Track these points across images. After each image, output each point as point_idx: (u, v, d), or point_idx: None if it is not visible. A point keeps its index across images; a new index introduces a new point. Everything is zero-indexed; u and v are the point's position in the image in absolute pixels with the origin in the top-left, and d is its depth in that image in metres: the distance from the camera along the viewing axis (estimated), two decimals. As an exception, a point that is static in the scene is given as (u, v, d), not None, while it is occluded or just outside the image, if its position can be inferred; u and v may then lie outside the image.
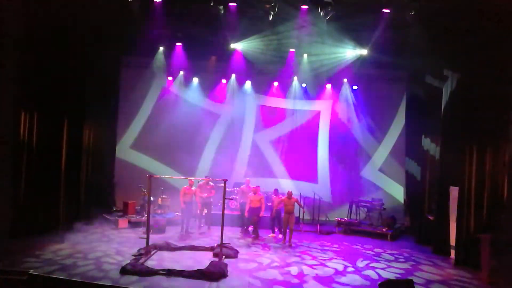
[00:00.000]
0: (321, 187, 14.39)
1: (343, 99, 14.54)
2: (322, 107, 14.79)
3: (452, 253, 9.79)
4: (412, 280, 7.57)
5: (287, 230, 10.68)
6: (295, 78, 14.30)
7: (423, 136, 11.85)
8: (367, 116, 14.43)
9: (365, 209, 13.09)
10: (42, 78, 9.75)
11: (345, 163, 14.55)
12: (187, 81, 14.43)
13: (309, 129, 14.80)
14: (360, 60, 12.53)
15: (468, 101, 9.36)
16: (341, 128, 14.63)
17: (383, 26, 10.56)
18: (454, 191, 9.86)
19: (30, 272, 7.46)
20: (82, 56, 10.63)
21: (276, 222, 11.57)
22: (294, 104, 14.70)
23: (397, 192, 14.09)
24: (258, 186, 11.66)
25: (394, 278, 8.19)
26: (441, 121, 10.53)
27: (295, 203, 10.81)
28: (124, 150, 14.16)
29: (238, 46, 12.52)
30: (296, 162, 14.52)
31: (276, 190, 11.64)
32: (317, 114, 14.81)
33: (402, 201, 13.66)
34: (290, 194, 10.83)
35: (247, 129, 14.89)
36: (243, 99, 14.69)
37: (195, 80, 14.45)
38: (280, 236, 11.14)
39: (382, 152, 14.40)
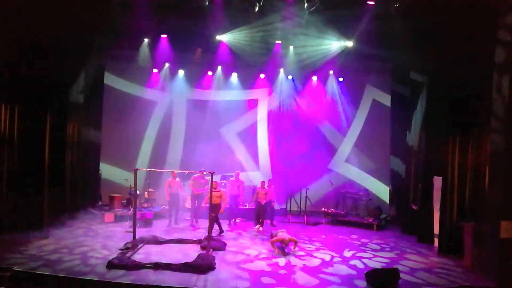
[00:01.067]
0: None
1: (329, 91, 14.58)
2: (310, 98, 14.83)
3: (436, 241, 9.99)
4: (397, 268, 7.74)
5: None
6: (282, 70, 14.28)
7: (407, 127, 11.99)
8: (352, 107, 14.51)
9: (352, 200, 13.23)
10: (23, 71, 9.51)
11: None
12: (172, 73, 14.29)
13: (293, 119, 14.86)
14: (346, 52, 12.56)
15: (451, 93, 9.49)
16: (326, 119, 14.70)
17: (368, 18, 10.58)
18: (437, 182, 10.04)
19: (14, 268, 7.37)
20: (65, 49, 10.39)
21: (261, 214, 11.55)
22: (281, 96, 14.68)
23: (383, 185, 14.22)
24: (215, 181, 10.54)
25: (380, 267, 8.31)
26: (425, 113, 10.68)
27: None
28: (110, 144, 13.98)
29: (224, 38, 12.42)
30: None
31: (263, 183, 11.69)
32: (305, 105, 14.83)
33: (388, 193, 13.82)
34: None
35: (236, 123, 14.84)
36: (229, 91, 14.60)
37: (181, 73, 14.32)
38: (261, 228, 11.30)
39: (366, 144, 14.49)
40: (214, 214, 9.89)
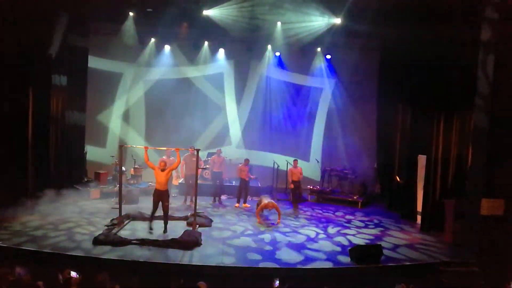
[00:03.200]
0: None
1: (316, 68, 14.49)
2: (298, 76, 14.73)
3: (419, 218, 10.21)
4: (380, 245, 7.92)
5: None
6: (269, 46, 14.09)
7: (394, 106, 12.03)
8: (339, 84, 14.50)
9: (337, 177, 13.37)
10: (5, 45, 9.19)
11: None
12: (158, 48, 13.99)
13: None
14: (334, 29, 12.41)
15: (436, 71, 9.51)
16: (314, 95, 14.68)
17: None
18: (422, 160, 10.19)
19: (-2, 244, 7.32)
20: (48, 22, 10.05)
21: (243, 192, 11.58)
22: (268, 72, 14.56)
23: (368, 163, 14.35)
24: (162, 161, 9.48)
25: (363, 244, 8.48)
26: (411, 91, 10.72)
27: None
28: (94, 119, 13.77)
29: (211, 12, 12.13)
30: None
31: (247, 160, 11.67)
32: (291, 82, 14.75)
33: (373, 171, 13.96)
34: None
35: (221, 98, 14.72)
36: (216, 67, 14.40)
37: (167, 48, 14.03)
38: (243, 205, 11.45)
39: (353, 120, 14.53)
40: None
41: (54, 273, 5.66)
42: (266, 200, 9.88)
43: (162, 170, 8.73)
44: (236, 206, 11.40)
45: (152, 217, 8.87)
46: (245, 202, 11.50)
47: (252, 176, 11.84)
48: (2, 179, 9.39)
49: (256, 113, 14.73)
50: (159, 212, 8.81)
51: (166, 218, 8.82)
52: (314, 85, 14.72)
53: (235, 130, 14.81)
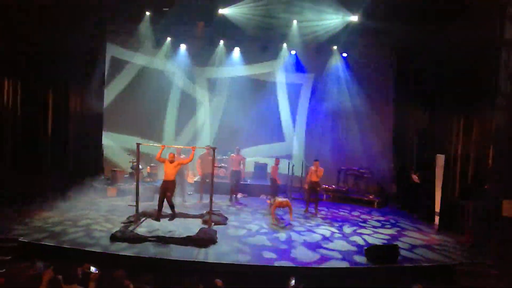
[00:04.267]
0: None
1: (333, 67, 14.40)
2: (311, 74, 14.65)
3: (436, 219, 10.05)
4: (397, 245, 7.82)
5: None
6: (285, 45, 14.05)
7: (411, 105, 11.86)
8: (356, 83, 14.36)
9: (353, 177, 13.26)
10: (25, 46, 9.40)
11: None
12: (174, 47, 14.11)
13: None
14: (350, 27, 12.31)
15: (456, 70, 9.34)
16: (329, 95, 14.62)
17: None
18: (440, 159, 10.02)
19: (19, 239, 7.49)
20: (66, 22, 10.23)
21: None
22: (284, 71, 14.52)
23: (385, 162, 14.19)
24: (171, 153, 9.35)
25: (380, 244, 8.40)
26: (429, 90, 10.55)
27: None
28: (112, 118, 13.96)
29: (227, 11, 12.17)
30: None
31: (277, 160, 11.69)
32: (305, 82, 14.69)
33: (390, 170, 13.79)
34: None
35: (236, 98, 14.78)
36: (231, 66, 14.43)
37: (183, 47, 14.13)
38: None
39: (370, 120, 14.40)
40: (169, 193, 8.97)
41: (73, 268, 5.75)
42: (279, 198, 9.99)
43: (171, 162, 8.88)
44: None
45: (159, 208, 8.94)
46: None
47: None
48: (22, 176, 9.62)
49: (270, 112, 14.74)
50: (176, 209, 8.91)
51: (172, 206, 8.94)
52: (330, 84, 14.60)
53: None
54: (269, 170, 11.91)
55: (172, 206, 8.99)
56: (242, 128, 14.28)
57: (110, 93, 13.86)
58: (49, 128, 10.13)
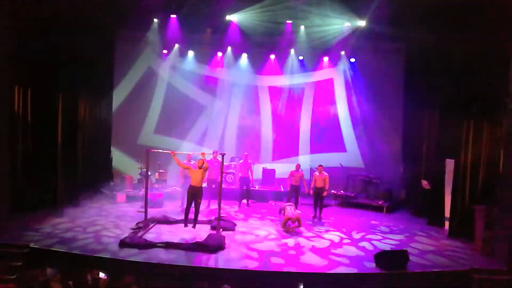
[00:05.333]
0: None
1: (340, 72, 14.40)
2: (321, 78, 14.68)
3: (447, 224, 9.94)
4: (406, 250, 7.74)
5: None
6: (292, 50, 14.09)
7: (420, 109, 11.78)
8: (364, 88, 14.33)
9: (362, 182, 13.18)
10: (35, 53, 9.54)
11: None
12: (182, 54, 14.23)
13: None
14: (358, 32, 12.31)
15: (466, 74, 9.28)
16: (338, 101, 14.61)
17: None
18: (450, 164, 9.92)
19: (30, 246, 7.57)
20: (75, 30, 10.37)
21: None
22: (291, 80, 14.56)
23: (394, 167, 14.10)
24: (201, 159, 9.29)
25: (389, 249, 8.32)
26: (438, 94, 10.49)
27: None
28: (122, 125, 14.08)
29: (234, 17, 12.26)
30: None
31: (298, 165, 11.57)
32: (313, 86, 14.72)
33: (399, 175, 13.69)
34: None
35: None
36: (239, 73, 14.50)
37: (191, 53, 14.24)
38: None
39: (378, 125, 14.34)
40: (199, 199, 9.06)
41: (83, 274, 5.80)
42: (289, 210, 9.70)
43: (200, 168, 8.91)
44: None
45: (186, 213, 8.99)
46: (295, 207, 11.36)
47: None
48: (33, 182, 9.74)
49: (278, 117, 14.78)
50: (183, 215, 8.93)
51: (197, 213, 9.00)
52: (338, 89, 14.58)
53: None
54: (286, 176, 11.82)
55: (198, 211, 9.04)
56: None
57: (117, 99, 13.98)
58: (59, 134, 10.25)
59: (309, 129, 14.74)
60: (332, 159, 13.96)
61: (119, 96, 13.92)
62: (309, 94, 14.78)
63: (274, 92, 14.79)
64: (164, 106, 14.44)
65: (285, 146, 14.77)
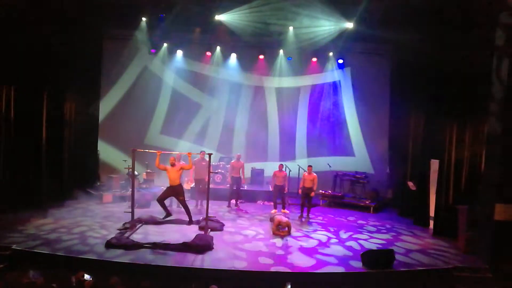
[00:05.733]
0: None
1: (329, 73, 14.49)
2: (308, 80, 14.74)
3: (431, 224, 10.09)
4: (392, 249, 7.84)
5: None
6: (281, 51, 14.13)
7: (406, 110, 11.94)
8: (351, 89, 14.45)
9: (349, 182, 13.30)
10: (19, 51, 9.40)
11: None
12: (171, 53, 14.15)
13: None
14: (346, 33, 12.42)
15: (450, 76, 9.44)
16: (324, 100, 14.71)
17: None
18: (434, 164, 10.08)
19: (13, 247, 7.44)
20: (62, 28, 10.24)
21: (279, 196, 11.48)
22: (280, 81, 14.59)
23: (380, 167, 14.24)
24: (172, 157, 9.66)
25: (375, 248, 8.42)
26: (424, 96, 10.66)
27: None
28: (108, 124, 13.94)
29: (223, 17, 12.23)
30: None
31: (280, 166, 11.58)
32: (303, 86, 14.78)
33: (385, 175, 13.84)
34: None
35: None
36: (228, 73, 14.47)
37: (179, 53, 14.17)
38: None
39: (365, 126, 14.48)
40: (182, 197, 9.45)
41: (67, 276, 5.73)
42: (280, 216, 9.70)
43: (172, 165, 9.15)
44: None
45: (163, 207, 9.25)
46: (283, 208, 11.32)
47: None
48: (17, 182, 9.58)
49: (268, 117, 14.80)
50: (171, 216, 8.88)
51: (187, 210, 9.34)
52: (326, 89, 14.68)
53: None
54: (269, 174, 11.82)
55: (188, 210, 9.32)
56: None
57: (107, 100, 13.84)
58: (44, 133, 10.09)
59: (304, 131, 14.76)
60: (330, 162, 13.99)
61: (107, 93, 13.76)
62: (303, 94, 14.80)
63: (263, 92, 14.78)
64: (153, 104, 14.38)
65: (282, 147, 14.78)
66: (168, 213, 9.37)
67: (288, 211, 11.25)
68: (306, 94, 14.76)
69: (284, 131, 14.72)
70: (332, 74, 14.52)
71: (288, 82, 14.64)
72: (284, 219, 9.40)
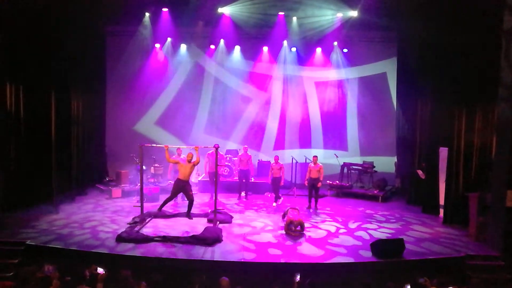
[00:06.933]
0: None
1: (334, 63, 14.39)
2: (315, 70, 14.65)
3: (441, 212, 10.04)
4: (402, 239, 7.82)
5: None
6: (285, 42, 14.04)
7: (413, 98, 11.83)
8: (357, 78, 14.35)
9: (357, 172, 13.25)
10: (26, 50, 9.44)
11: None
12: (175, 47, 14.14)
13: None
14: (350, 22, 12.30)
15: (458, 62, 9.32)
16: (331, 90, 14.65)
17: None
18: (443, 152, 10.00)
19: (27, 243, 7.56)
20: (66, 26, 10.25)
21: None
22: (285, 69, 14.52)
23: (388, 157, 14.16)
24: (190, 152, 9.69)
25: (385, 238, 8.40)
26: (431, 83, 10.54)
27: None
28: (115, 119, 13.99)
29: (226, 10, 12.18)
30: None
31: (276, 157, 11.58)
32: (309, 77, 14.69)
33: (393, 164, 13.76)
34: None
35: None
36: (233, 65, 14.43)
37: (183, 47, 14.15)
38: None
39: (372, 115, 14.38)
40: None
41: (80, 270, 5.81)
42: (292, 213, 9.06)
43: (189, 161, 9.20)
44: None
45: (165, 202, 9.35)
46: (275, 200, 11.30)
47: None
48: (28, 179, 9.68)
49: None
50: (180, 209, 8.93)
51: (190, 205, 9.39)
52: (332, 79, 14.59)
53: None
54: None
55: (191, 205, 9.42)
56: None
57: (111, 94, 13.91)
58: (53, 131, 10.17)
59: (318, 121, 14.72)
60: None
61: (113, 90, 13.81)
62: (310, 86, 14.71)
63: (270, 82, 14.73)
64: (158, 98, 14.41)
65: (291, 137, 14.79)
66: (160, 208, 9.54)
67: (275, 205, 11.14)
68: (311, 83, 14.66)
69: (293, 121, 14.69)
70: (337, 63, 14.37)
71: (293, 72, 14.54)
72: (296, 217, 8.79)
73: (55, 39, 9.90)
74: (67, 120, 10.97)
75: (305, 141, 14.74)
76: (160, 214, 9.67)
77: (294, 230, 8.63)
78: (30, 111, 9.82)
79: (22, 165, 9.67)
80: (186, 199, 9.69)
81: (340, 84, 14.57)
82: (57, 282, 5.43)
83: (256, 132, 14.64)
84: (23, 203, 9.55)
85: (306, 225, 9.11)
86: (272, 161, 11.51)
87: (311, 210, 10.75)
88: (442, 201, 10.05)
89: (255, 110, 14.65)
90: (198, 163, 9.58)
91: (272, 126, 14.69)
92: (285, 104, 14.69)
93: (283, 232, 8.71)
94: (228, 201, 11.50)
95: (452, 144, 9.56)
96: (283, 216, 9.47)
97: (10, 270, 7.01)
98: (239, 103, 14.60)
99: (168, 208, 10.13)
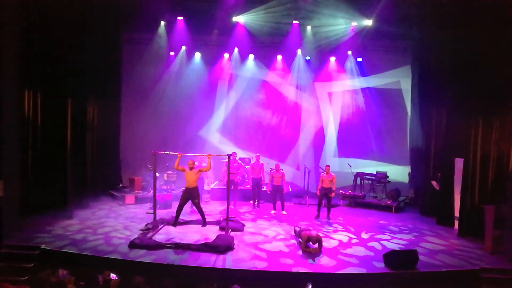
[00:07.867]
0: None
1: (348, 72, 14.37)
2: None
3: (456, 224, 9.87)
4: (416, 250, 7.71)
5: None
6: (299, 51, 14.08)
7: (428, 108, 11.71)
8: (371, 87, 14.30)
9: (370, 182, 13.14)
10: (44, 57, 9.66)
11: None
12: (189, 56, 14.30)
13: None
14: (365, 31, 12.29)
15: (474, 72, 9.21)
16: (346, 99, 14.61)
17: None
18: (459, 163, 9.86)
19: (42, 247, 7.68)
20: (83, 34, 10.46)
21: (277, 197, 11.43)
22: (298, 78, 14.54)
23: (402, 167, 14.02)
24: (191, 159, 9.60)
25: (398, 249, 8.29)
26: (447, 93, 10.42)
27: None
28: (129, 126, 14.16)
29: (241, 19, 12.29)
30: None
31: (277, 165, 11.59)
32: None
33: (407, 175, 13.61)
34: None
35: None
36: (247, 73, 14.52)
37: (197, 55, 14.30)
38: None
39: (386, 125, 14.29)
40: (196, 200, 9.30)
41: (94, 275, 5.87)
42: (308, 229, 8.50)
43: (191, 169, 9.17)
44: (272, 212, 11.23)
45: (177, 214, 9.21)
46: (282, 209, 11.25)
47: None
48: (43, 185, 9.86)
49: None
50: (192, 216, 8.95)
51: (201, 213, 9.31)
52: (346, 88, 14.56)
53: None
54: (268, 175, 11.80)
55: (202, 213, 9.30)
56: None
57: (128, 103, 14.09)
58: (68, 137, 10.35)
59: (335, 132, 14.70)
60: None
61: (128, 97, 14.00)
62: (324, 95, 14.71)
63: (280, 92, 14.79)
64: (174, 106, 14.51)
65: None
66: (175, 223, 9.24)
67: (285, 213, 11.11)
68: (327, 93, 14.66)
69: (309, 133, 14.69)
70: (351, 72, 14.35)
71: (307, 81, 14.55)
72: (314, 233, 8.27)
73: (72, 46, 10.10)
74: (83, 127, 11.14)
75: (318, 150, 14.68)
76: (172, 221, 9.68)
77: (312, 248, 8.22)
78: (47, 117, 10.03)
79: (38, 171, 9.85)
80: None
81: (354, 93, 14.52)
82: (72, 287, 5.49)
83: (269, 140, 14.64)
84: (38, 207, 9.72)
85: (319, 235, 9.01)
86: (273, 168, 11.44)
87: (320, 220, 10.63)
88: (457, 213, 9.89)
89: (269, 118, 14.67)
90: (208, 170, 9.60)
91: (286, 134, 14.68)
92: (299, 113, 14.68)
93: (295, 242, 8.66)
94: (240, 209, 11.49)
95: (468, 155, 9.41)
96: (298, 235, 8.75)
97: (25, 274, 7.12)
98: (253, 110, 14.64)
99: (181, 215, 10.17)
